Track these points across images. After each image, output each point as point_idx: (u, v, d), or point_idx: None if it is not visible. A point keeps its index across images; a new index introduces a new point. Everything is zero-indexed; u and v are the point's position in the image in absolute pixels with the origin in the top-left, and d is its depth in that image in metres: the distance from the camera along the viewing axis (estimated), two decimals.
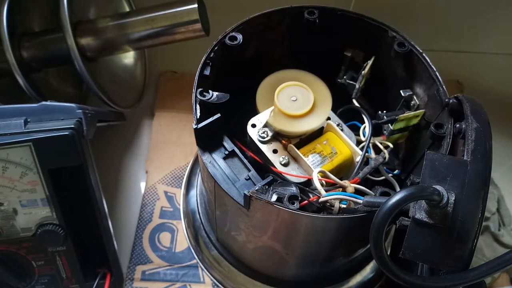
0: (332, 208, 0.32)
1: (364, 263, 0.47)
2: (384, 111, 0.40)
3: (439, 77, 0.36)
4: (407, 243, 0.26)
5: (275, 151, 0.37)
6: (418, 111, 0.38)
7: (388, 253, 0.26)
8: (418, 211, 0.26)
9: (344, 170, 0.38)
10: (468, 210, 0.26)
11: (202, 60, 0.37)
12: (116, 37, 0.52)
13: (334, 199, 0.31)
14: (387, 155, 0.37)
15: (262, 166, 0.37)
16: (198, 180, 0.54)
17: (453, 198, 0.26)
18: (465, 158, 0.28)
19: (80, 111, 0.40)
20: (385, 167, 0.39)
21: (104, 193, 0.44)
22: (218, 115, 0.34)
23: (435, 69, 0.37)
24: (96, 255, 0.45)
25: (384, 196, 0.32)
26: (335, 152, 0.37)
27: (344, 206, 0.32)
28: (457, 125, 0.32)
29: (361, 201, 0.30)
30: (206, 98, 0.35)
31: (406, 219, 0.27)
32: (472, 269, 0.25)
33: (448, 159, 0.28)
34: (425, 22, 0.64)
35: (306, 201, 0.32)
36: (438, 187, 0.26)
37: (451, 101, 0.34)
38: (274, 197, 0.30)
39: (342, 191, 0.34)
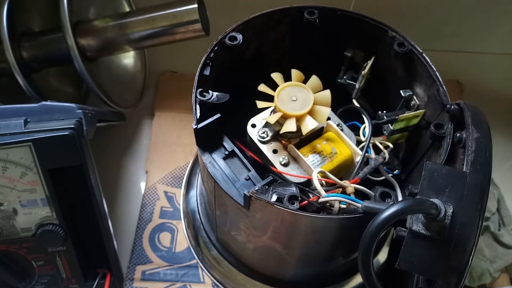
0: (332, 208, 0.32)
1: None
2: (384, 111, 0.40)
3: (439, 77, 0.36)
4: (404, 254, 0.26)
5: (275, 151, 0.37)
6: (418, 111, 0.38)
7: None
8: (415, 222, 0.26)
9: (344, 170, 0.38)
10: (465, 222, 0.26)
11: (202, 60, 0.37)
12: (116, 37, 0.52)
13: (333, 200, 0.31)
14: (387, 155, 0.37)
15: (262, 166, 0.37)
16: (198, 180, 0.54)
17: (451, 211, 0.25)
18: (464, 169, 0.28)
19: (80, 111, 0.40)
20: (385, 167, 0.39)
21: (104, 193, 0.44)
22: (218, 115, 0.34)
23: (435, 69, 0.37)
24: (96, 255, 0.45)
25: (385, 195, 0.32)
26: (335, 152, 0.37)
27: (344, 206, 0.32)
28: (458, 134, 0.31)
29: (360, 205, 0.30)
30: (206, 98, 0.35)
31: (403, 229, 0.27)
32: None
33: (447, 170, 0.28)
34: (425, 22, 0.64)
35: (306, 201, 0.32)
36: (436, 201, 0.25)
37: (452, 107, 0.34)
38: (274, 197, 0.30)
39: (342, 191, 0.34)
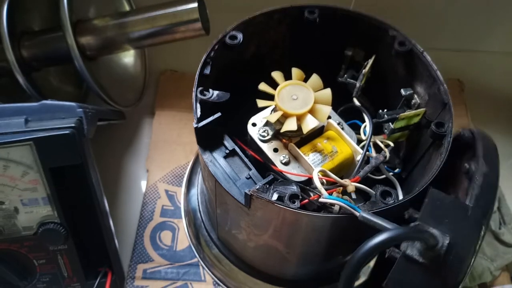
0: (332, 207, 0.32)
1: None
2: (385, 110, 0.40)
3: (440, 76, 0.36)
4: (393, 275, 0.26)
5: (275, 150, 0.37)
6: (418, 110, 0.38)
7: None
8: (410, 247, 0.26)
9: (345, 169, 0.38)
10: (460, 256, 0.26)
11: (202, 59, 0.37)
12: (116, 36, 0.52)
13: (332, 204, 0.31)
14: (387, 154, 0.37)
15: (263, 165, 0.37)
16: (199, 179, 0.54)
17: (447, 242, 0.26)
18: (467, 202, 0.28)
19: (80, 110, 0.40)
20: (386, 166, 0.40)
21: (105, 192, 0.44)
22: (219, 114, 0.34)
23: (435, 68, 0.37)
24: (97, 253, 0.45)
25: (385, 194, 0.32)
26: (335, 151, 0.37)
27: None
28: (466, 165, 0.31)
29: (358, 214, 0.29)
30: (207, 97, 0.35)
31: (397, 250, 0.27)
32: None
33: (450, 201, 0.28)
34: (426, 21, 0.64)
35: (306, 200, 0.32)
36: (435, 232, 0.26)
37: (466, 134, 0.33)
38: (275, 196, 0.30)
39: (343, 190, 0.34)
